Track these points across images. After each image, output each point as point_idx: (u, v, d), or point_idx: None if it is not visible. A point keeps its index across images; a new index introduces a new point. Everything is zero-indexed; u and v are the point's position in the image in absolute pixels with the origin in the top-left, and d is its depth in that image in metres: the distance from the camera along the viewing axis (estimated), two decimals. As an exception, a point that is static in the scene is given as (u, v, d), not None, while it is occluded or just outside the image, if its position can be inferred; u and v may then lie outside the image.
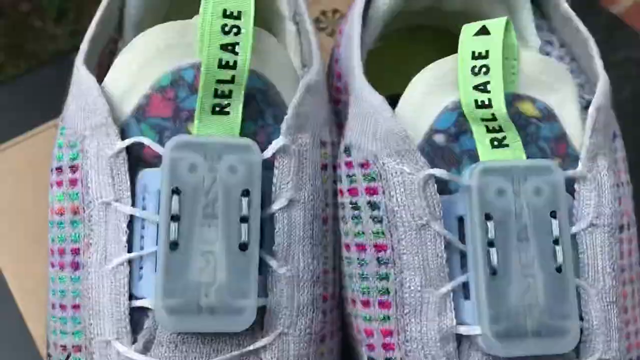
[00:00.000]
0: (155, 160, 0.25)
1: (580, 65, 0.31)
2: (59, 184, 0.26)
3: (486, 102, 0.24)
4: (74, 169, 0.25)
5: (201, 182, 0.24)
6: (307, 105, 0.26)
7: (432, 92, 0.26)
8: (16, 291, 0.36)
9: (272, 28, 0.34)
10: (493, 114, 0.24)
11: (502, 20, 0.25)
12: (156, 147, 0.24)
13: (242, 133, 0.25)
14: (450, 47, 0.38)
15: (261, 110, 0.26)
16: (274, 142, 0.25)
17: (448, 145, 0.25)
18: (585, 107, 0.30)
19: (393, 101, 0.40)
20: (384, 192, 0.24)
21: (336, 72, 0.30)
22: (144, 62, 0.25)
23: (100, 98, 0.25)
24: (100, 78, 0.31)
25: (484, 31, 0.25)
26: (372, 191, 0.24)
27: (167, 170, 0.23)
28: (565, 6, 0.30)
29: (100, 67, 0.31)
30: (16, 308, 0.35)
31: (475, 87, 0.25)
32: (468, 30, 0.25)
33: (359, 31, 0.28)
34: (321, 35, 0.48)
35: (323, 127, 0.27)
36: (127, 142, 0.24)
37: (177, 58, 0.25)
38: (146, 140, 0.24)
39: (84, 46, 0.27)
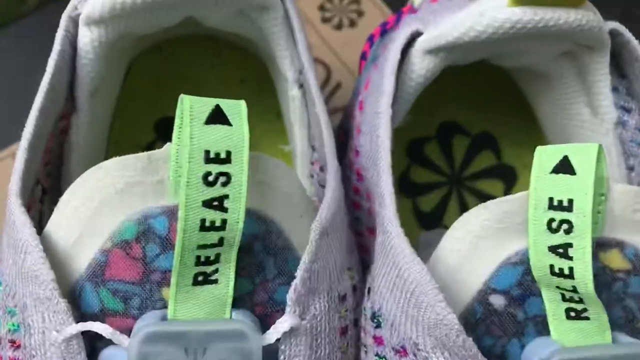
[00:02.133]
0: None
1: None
2: (-3, 358, 0.20)
3: (566, 272, 0.18)
4: (15, 345, 0.19)
5: (182, 388, 0.18)
6: (321, 257, 0.19)
7: (488, 237, 0.19)
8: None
9: (278, 92, 0.27)
10: (574, 287, 0.18)
11: (592, 151, 0.18)
12: (119, 339, 0.18)
13: (235, 297, 0.19)
14: (494, 81, 0.31)
15: (260, 263, 0.19)
16: (278, 323, 0.18)
17: (509, 311, 0.19)
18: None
19: (420, 144, 0.33)
20: (426, 397, 0.18)
21: (355, 169, 0.24)
22: (98, 206, 0.18)
23: (41, 261, 0.18)
24: (52, 163, 0.24)
25: (566, 167, 0.18)
26: (410, 390, 0.19)
27: (136, 375, 0.17)
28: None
29: (51, 152, 0.24)
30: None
31: (552, 249, 0.18)
32: (543, 161, 0.18)
33: (389, 137, 0.21)
34: (326, 29, 0.40)
35: (342, 273, 0.21)
36: (81, 327, 0.18)
37: (142, 201, 0.18)
38: (106, 331, 0.18)
39: (18, 164, 0.20)
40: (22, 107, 0.24)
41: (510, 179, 0.30)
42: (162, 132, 0.30)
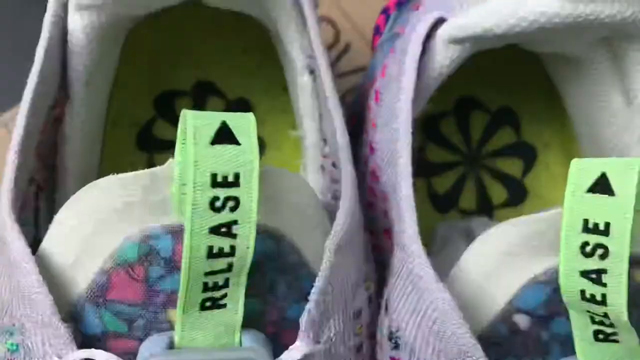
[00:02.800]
0: (126, 357, 0.18)
1: None
2: (-4, 378, 0.19)
3: (598, 299, 0.17)
4: (15, 365, 0.18)
5: (190, 419, 0.17)
6: (336, 275, 0.18)
7: (515, 254, 0.18)
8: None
9: (288, 78, 0.25)
10: (606, 314, 0.17)
11: (633, 167, 0.17)
12: (123, 369, 0.17)
13: (246, 316, 0.18)
14: (515, 56, 0.29)
15: (271, 281, 0.18)
16: (291, 350, 0.17)
17: (533, 331, 0.18)
18: None
19: (436, 120, 0.31)
20: None
21: (371, 168, 0.22)
22: (96, 225, 0.17)
23: (38, 284, 0.17)
24: (46, 155, 0.23)
25: (604, 186, 0.17)
26: (430, 416, 0.18)
27: (142, 407, 0.17)
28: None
29: (44, 144, 0.22)
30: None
31: (584, 274, 0.17)
32: (579, 177, 0.17)
33: (410, 144, 0.19)
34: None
35: (358, 287, 0.19)
36: (84, 355, 0.17)
37: (143, 220, 0.17)
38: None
39: (9, 171, 0.19)
40: (15, 60, 0.22)
41: (529, 158, 0.29)
42: (162, 109, 0.28)
